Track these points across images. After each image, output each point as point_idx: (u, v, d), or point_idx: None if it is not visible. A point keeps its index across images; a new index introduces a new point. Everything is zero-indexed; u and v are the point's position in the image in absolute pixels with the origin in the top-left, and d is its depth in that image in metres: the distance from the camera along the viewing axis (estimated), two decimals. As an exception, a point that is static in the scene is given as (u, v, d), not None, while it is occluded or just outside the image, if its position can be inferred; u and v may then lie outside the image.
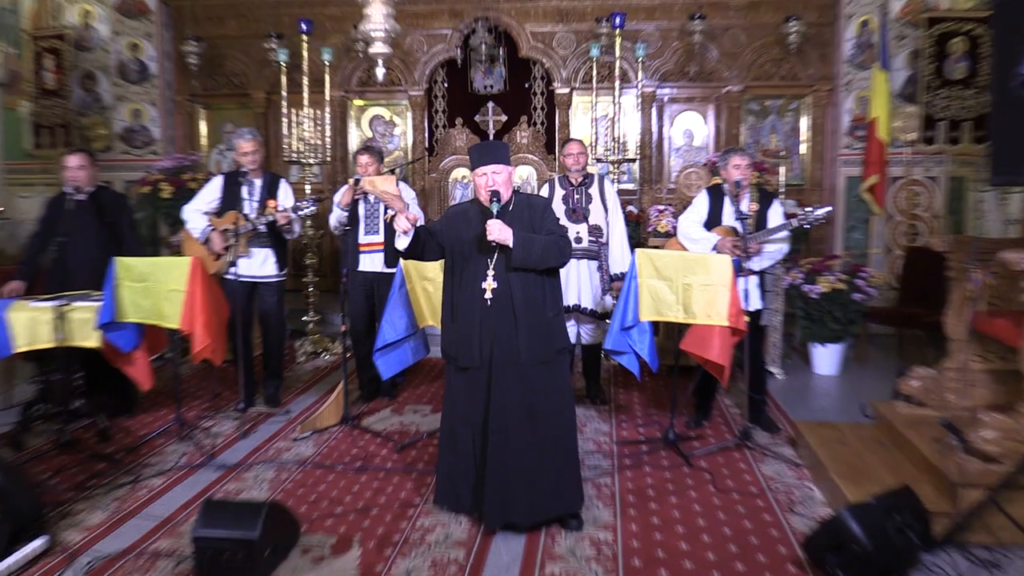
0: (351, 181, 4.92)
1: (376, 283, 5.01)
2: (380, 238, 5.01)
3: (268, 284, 4.99)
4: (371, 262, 5.02)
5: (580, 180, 4.96)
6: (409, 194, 5.13)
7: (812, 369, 5.89)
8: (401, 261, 4.24)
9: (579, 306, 4.84)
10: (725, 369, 3.84)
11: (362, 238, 5.01)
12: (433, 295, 4.25)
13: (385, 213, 4.99)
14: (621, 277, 4.82)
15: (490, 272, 3.17)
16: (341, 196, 4.98)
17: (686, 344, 3.96)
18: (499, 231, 3.07)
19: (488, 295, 3.15)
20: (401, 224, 3.18)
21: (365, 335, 5.11)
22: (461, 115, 8.16)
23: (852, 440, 4.00)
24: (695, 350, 3.92)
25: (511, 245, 3.09)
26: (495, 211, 3.11)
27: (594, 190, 4.91)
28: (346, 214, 4.92)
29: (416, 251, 3.23)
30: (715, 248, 4.29)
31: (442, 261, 3.34)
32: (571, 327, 4.88)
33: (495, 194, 3.14)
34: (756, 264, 4.33)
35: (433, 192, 8.16)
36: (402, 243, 3.18)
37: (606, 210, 4.89)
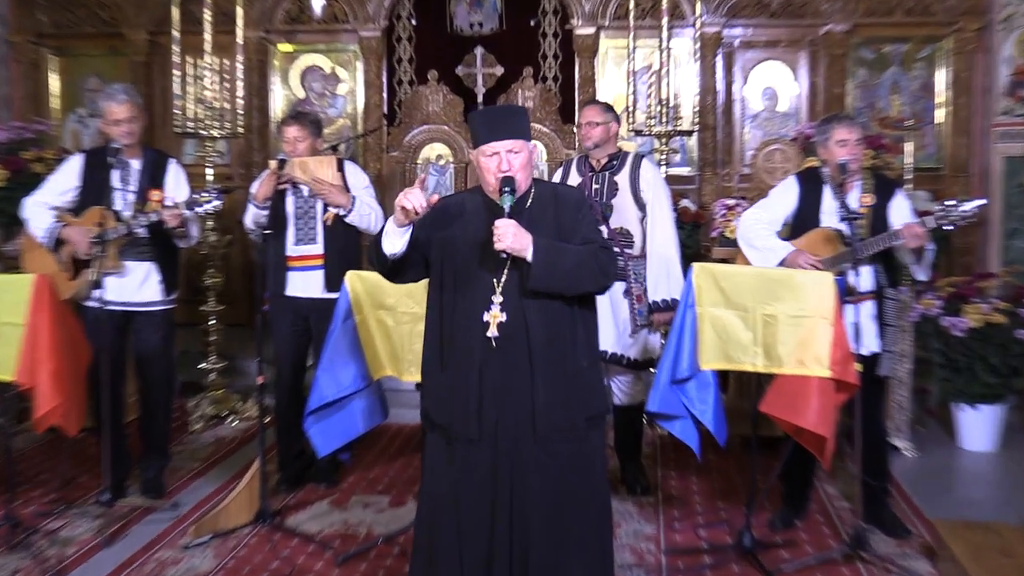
0: (273, 164, 4.96)
1: (311, 314, 5.03)
2: (318, 248, 5.04)
3: (149, 315, 5.00)
4: (304, 283, 5.04)
5: (604, 162, 5.00)
6: (359, 180, 5.17)
7: (957, 442, 5.88)
8: (348, 282, 4.25)
9: (604, 352, 4.82)
10: (827, 442, 3.83)
11: (291, 248, 5.04)
12: (394, 331, 4.26)
13: (325, 212, 5.02)
14: (665, 306, 4.83)
15: (496, 298, 3.14)
16: (259, 187, 5.02)
17: (769, 405, 3.96)
18: (513, 236, 3.02)
19: (493, 332, 3.12)
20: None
21: (292, 391, 5.10)
22: (436, 66, 8.25)
23: (1021, 551, 3.99)
24: (782, 414, 3.91)
25: (529, 257, 3.07)
26: (508, 207, 3.08)
27: (623, 177, 4.94)
28: (266, 213, 4.95)
29: (403, 262, 3.21)
30: (782, 266, 4.34)
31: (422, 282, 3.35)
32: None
33: (508, 182, 3.10)
34: (922, 271, 4.43)
35: (394, 178, 8.21)
36: (395, 240, 3.11)
37: (640, 206, 4.92)
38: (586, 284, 3.15)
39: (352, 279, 4.25)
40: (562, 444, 3.14)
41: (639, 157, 5.01)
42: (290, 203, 5.04)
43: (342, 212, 4.99)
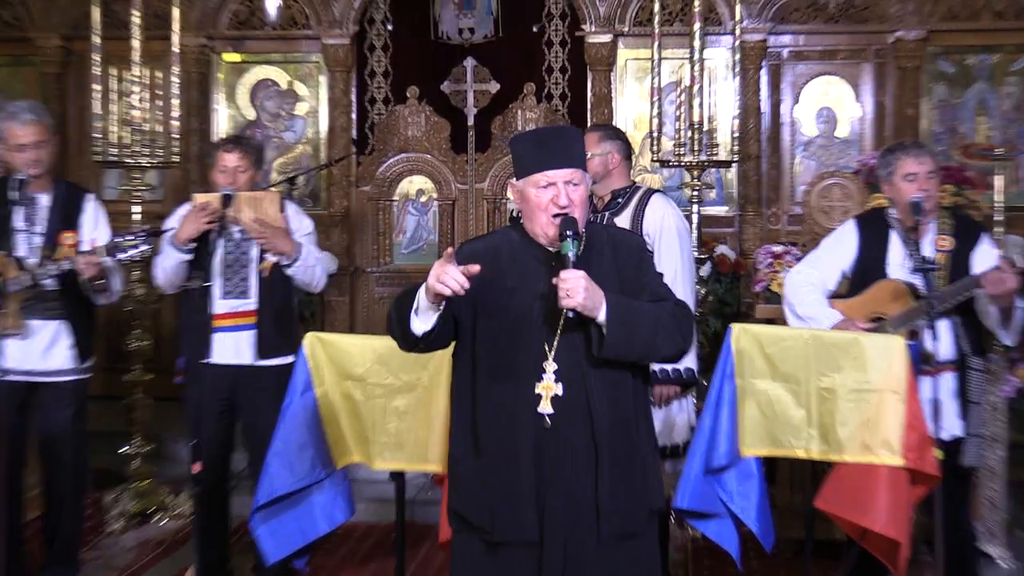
0: (199, 200, 4.99)
1: (239, 387, 5.03)
2: (250, 304, 5.05)
3: (58, 386, 5.01)
4: (233, 348, 5.03)
5: (608, 200, 5.01)
6: (302, 225, 5.21)
7: (1065, 549, 5.86)
8: (306, 346, 4.27)
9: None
10: (900, 548, 3.82)
11: (218, 304, 5.03)
12: (364, 407, 4.24)
13: (261, 260, 5.05)
14: (665, 378, 4.78)
15: (550, 365, 3.18)
16: (183, 225, 4.99)
17: (827, 501, 3.95)
18: (585, 292, 3.06)
19: (546, 407, 3.16)
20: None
21: (215, 482, 5.08)
22: (417, 81, 8.35)
23: None
24: (844, 512, 3.91)
25: (601, 318, 3.10)
26: (574, 255, 3.13)
27: (625, 218, 4.89)
28: (188, 258, 4.98)
29: (436, 335, 3.19)
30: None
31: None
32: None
33: (571, 224, 3.15)
34: (1009, 334, 4.41)
35: (364, 219, 8.27)
36: (428, 318, 3.12)
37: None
38: (664, 348, 3.22)
39: (312, 343, 4.25)
40: (624, 544, 3.21)
41: (649, 193, 4.98)
42: (220, 249, 5.04)
43: (284, 261, 5.01)
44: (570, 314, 3.06)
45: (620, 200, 4.95)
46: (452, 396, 3.35)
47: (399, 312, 3.17)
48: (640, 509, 3.25)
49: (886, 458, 3.85)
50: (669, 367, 4.82)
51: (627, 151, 5.07)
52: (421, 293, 3.09)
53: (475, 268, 3.04)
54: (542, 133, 3.43)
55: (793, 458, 4.09)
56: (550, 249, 3.23)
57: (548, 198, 3.18)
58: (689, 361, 4.71)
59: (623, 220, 4.87)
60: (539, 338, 3.18)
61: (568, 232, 3.11)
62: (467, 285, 2.99)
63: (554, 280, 3.07)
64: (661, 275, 3.38)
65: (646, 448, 3.29)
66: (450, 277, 2.96)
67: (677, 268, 4.83)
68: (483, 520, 3.19)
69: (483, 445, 3.21)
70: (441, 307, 3.09)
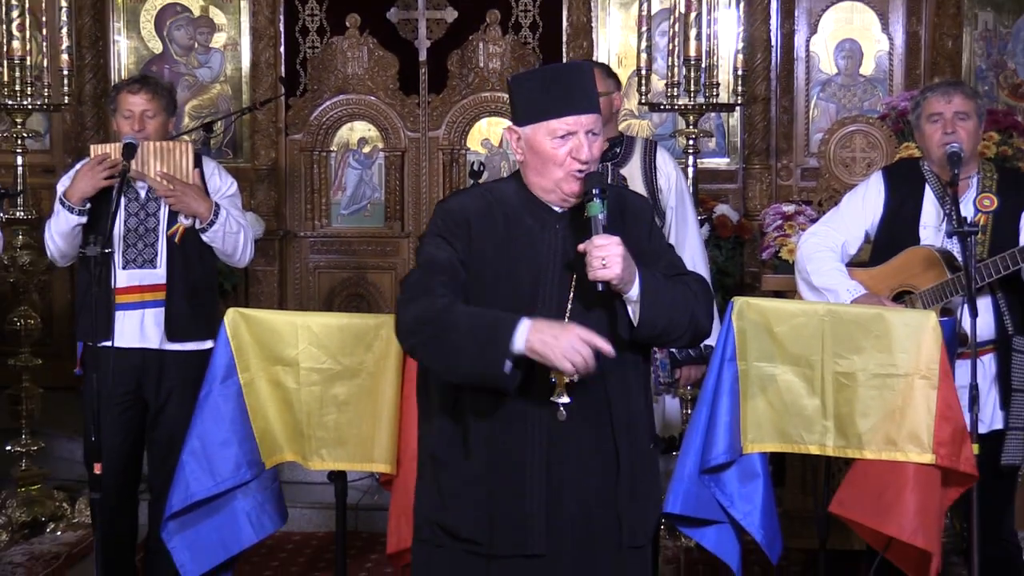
0: (106, 149, 5.00)
1: (146, 375, 5.05)
2: (159, 275, 5.07)
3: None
4: (139, 328, 5.05)
5: (604, 150, 5.05)
6: (223, 184, 5.23)
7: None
8: (228, 325, 4.28)
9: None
10: (933, 559, 3.84)
11: (120, 275, 4.98)
12: (297, 396, 4.24)
13: (173, 223, 5.06)
14: (699, 357, 4.91)
15: None
16: (76, 182, 5.00)
17: (845, 505, 4.00)
18: (623, 260, 3.09)
19: (561, 397, 3.19)
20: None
21: (119, 488, 5.07)
22: (358, 8, 8.29)
23: None
24: (864, 518, 3.95)
25: (633, 293, 3.16)
26: (603, 217, 3.16)
27: (634, 169, 5.01)
28: (82, 221, 4.98)
29: None
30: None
31: None
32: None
33: (596, 179, 3.20)
34: None
35: (295, 173, 8.24)
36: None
37: (658, 211, 4.99)
38: (693, 329, 3.28)
39: (234, 321, 4.26)
40: (635, 555, 3.31)
41: (651, 143, 5.09)
42: (122, 211, 5.01)
43: (199, 225, 5.02)
44: (599, 287, 3.09)
45: (618, 150, 5.03)
46: (420, 385, 3.38)
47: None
48: (652, 516, 3.36)
49: (914, 455, 3.88)
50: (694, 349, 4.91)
51: (621, 93, 5.18)
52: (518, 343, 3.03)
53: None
54: (557, 70, 3.41)
55: (805, 455, 4.12)
56: (556, 209, 3.27)
57: (567, 150, 3.20)
58: (713, 339, 4.80)
59: (632, 170, 4.98)
60: (547, 315, 3.17)
61: (595, 191, 3.14)
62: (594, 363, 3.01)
63: (581, 247, 3.10)
64: (671, 246, 3.43)
65: (654, 446, 3.38)
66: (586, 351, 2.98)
67: (696, 225, 4.97)
68: (480, 531, 3.23)
69: (473, 443, 3.23)
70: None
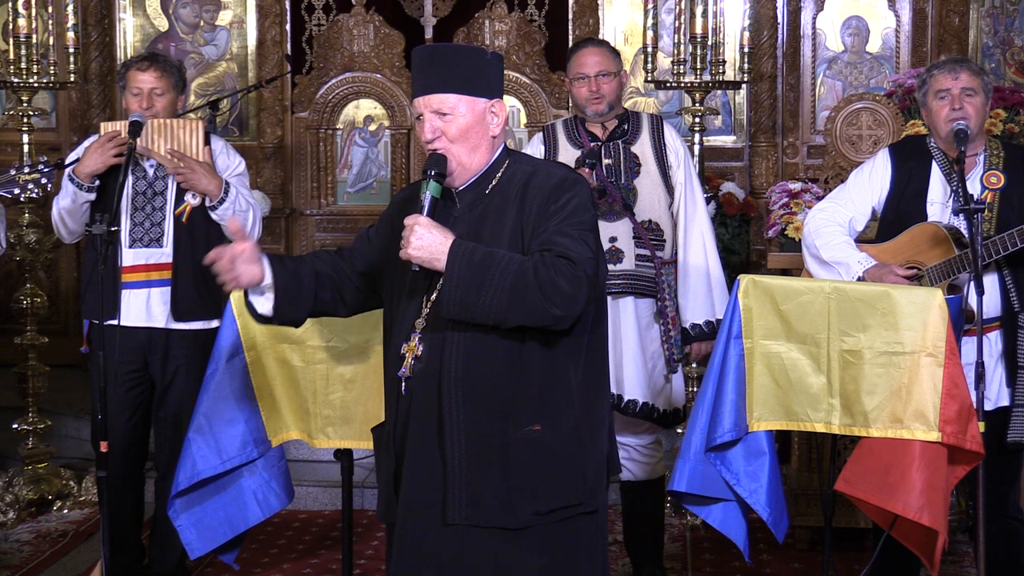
0: (114, 127, 5.00)
1: (153, 355, 5.06)
2: (165, 254, 5.07)
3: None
4: (145, 307, 5.05)
5: (612, 128, 5.08)
6: (231, 162, 5.22)
7: None
8: (233, 303, 4.28)
9: (621, 398, 4.92)
10: (939, 537, 3.84)
11: (127, 253, 5.03)
12: (303, 375, 4.25)
13: (181, 202, 5.06)
14: (711, 331, 4.91)
15: (419, 323, 3.29)
16: (84, 157, 4.99)
17: (850, 483, 4.00)
18: (419, 240, 3.14)
19: (404, 370, 3.27)
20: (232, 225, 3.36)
21: (126, 468, 5.11)
22: (364, -14, 8.29)
23: None
24: (870, 496, 3.95)
25: (442, 269, 3.15)
26: (428, 199, 3.22)
27: (644, 146, 5.04)
28: (91, 198, 4.98)
29: (296, 304, 3.38)
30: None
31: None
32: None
33: (437, 161, 3.26)
34: None
35: (301, 151, 8.22)
36: (264, 301, 3.36)
37: (669, 189, 5.04)
38: (520, 314, 3.12)
39: (240, 299, 4.26)
40: (502, 546, 3.21)
41: (656, 118, 5.11)
42: (129, 187, 5.02)
43: (209, 203, 5.01)
44: (414, 267, 3.17)
45: (626, 127, 5.06)
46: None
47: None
48: (520, 506, 3.21)
49: (920, 432, 3.87)
50: (701, 320, 4.90)
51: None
52: None
53: (235, 223, 3.38)
54: (420, 51, 3.36)
55: (811, 433, 4.12)
56: (452, 189, 3.33)
57: (422, 130, 3.30)
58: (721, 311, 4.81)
59: (643, 147, 5.03)
60: (420, 293, 3.29)
61: (431, 171, 3.21)
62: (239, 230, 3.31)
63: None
64: (581, 222, 3.23)
65: (542, 427, 3.23)
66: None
67: (704, 202, 5.06)
68: (382, 504, 3.43)
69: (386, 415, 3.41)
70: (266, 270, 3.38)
